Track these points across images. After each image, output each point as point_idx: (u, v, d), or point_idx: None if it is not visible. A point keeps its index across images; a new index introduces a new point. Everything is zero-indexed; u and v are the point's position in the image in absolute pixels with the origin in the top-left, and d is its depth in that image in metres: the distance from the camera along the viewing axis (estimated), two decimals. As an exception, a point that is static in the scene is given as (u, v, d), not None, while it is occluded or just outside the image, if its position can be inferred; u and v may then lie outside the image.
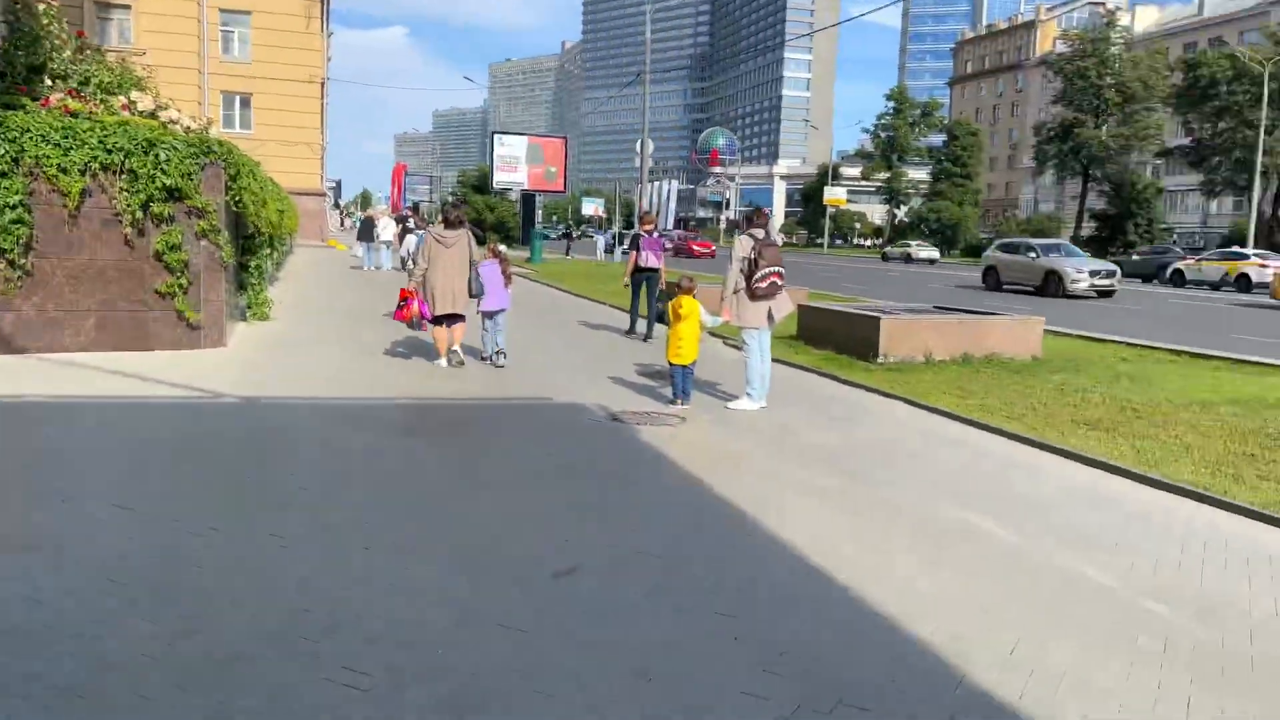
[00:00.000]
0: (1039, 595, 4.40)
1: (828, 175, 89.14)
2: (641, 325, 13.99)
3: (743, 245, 8.53)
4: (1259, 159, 43.58)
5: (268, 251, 14.88)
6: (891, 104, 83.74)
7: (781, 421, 8.20)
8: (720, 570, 4.51)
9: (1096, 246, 64.98)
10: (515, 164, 39.13)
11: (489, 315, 10.70)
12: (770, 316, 8.69)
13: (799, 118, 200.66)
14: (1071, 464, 7.04)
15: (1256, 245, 45.86)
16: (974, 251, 72.48)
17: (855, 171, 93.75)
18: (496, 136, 41.18)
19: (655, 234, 14.23)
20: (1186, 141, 58.89)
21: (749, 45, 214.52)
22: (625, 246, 42.09)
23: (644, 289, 13.81)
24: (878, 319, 11.69)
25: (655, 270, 13.71)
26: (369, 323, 14.51)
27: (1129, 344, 14.38)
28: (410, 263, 13.08)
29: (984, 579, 4.58)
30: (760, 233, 8.62)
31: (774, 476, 6.37)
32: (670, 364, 8.61)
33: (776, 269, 8.52)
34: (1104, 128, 60.56)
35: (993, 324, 12.21)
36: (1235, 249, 38.64)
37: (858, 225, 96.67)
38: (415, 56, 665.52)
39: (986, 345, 12.09)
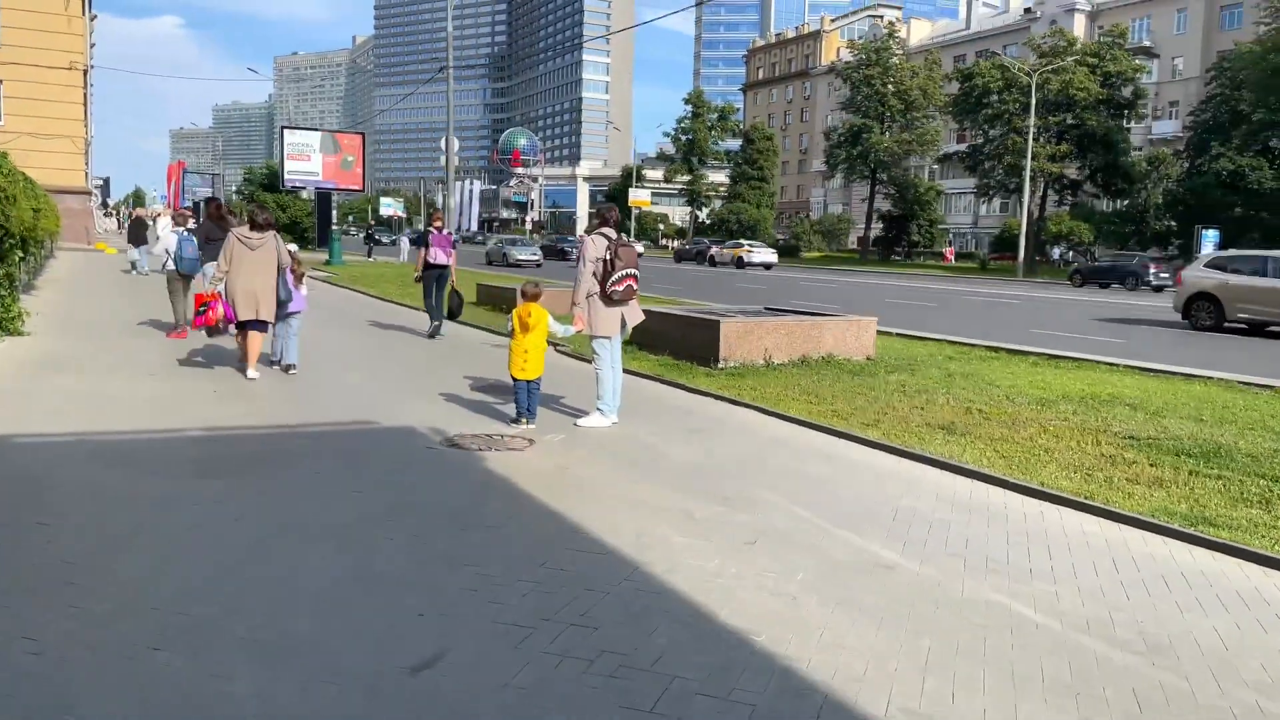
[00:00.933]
0: (975, 639, 3.88)
1: (632, 177, 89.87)
2: (444, 325, 14.34)
3: (595, 245, 7.77)
4: (1028, 163, 47.05)
5: (19, 256, 12.80)
6: (690, 108, 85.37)
7: (637, 437, 7.50)
8: (617, 644, 3.71)
9: (884, 246, 68.95)
10: (308, 152, 36.59)
11: (283, 317, 10.18)
12: (623, 324, 7.98)
13: (599, 119, 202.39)
14: (946, 474, 6.71)
15: (1027, 243, 49.64)
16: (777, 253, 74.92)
17: (658, 174, 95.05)
18: (286, 130, 38.44)
19: (444, 231, 14.46)
20: (963, 147, 63.17)
21: (548, 45, 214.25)
22: (404, 238, 42.17)
23: (436, 285, 14.15)
24: (717, 322, 11.23)
25: (445, 267, 14.06)
26: (146, 336, 12.74)
27: (949, 341, 14.64)
28: (173, 263, 13.05)
29: (908, 623, 4.03)
30: (612, 232, 7.90)
31: (645, 505, 5.64)
32: (514, 379, 7.74)
33: (632, 271, 7.81)
34: (888, 133, 63.92)
35: (828, 325, 12.02)
36: (740, 240, 57.17)
37: (660, 227, 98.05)
38: (191, 48, 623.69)
39: (823, 346, 11.89)
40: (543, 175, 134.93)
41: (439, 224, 14.59)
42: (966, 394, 9.85)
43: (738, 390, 9.73)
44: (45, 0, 35.38)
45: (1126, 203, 58.57)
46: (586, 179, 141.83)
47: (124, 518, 5.06)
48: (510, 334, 7.85)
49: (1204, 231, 41.23)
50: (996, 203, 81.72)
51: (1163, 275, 36.06)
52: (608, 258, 7.71)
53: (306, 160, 36.48)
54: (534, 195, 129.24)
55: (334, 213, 39.36)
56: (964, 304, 27.02)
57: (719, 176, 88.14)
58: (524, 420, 7.70)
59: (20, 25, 35.03)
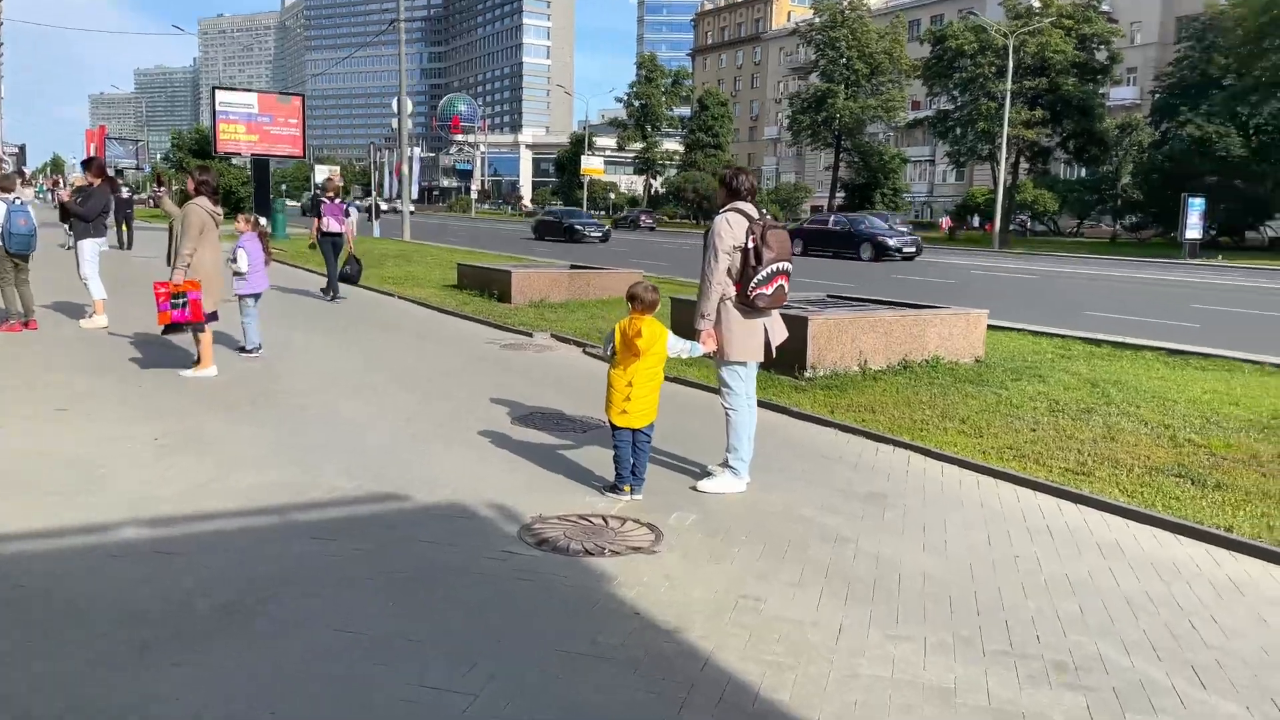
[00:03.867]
0: None
1: (583, 144, 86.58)
2: (345, 290, 14.83)
3: (732, 228, 5.26)
4: (1005, 129, 45.24)
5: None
6: (643, 72, 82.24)
7: (801, 514, 5.06)
8: None
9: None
10: (243, 115, 33.08)
11: (253, 297, 9.39)
12: (767, 343, 5.50)
13: (540, 85, 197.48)
14: (1314, 581, 4.38)
15: (1003, 212, 48.00)
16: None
17: (610, 142, 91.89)
18: (219, 91, 34.81)
19: (337, 200, 14.75)
20: (921, 114, 61.33)
21: (486, 8, 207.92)
22: (353, 207, 39.61)
23: (331, 252, 14.49)
24: (805, 320, 8.78)
25: (339, 234, 14.47)
26: (62, 338, 9.90)
27: (1032, 332, 12.39)
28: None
29: None
30: (751, 209, 5.39)
31: (941, 695, 3.21)
32: (613, 426, 5.22)
33: (786, 267, 5.33)
34: (853, 99, 61.74)
35: (933, 321, 9.65)
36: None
37: (611, 196, 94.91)
38: (112, 14, 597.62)
39: (927, 347, 9.54)
40: (485, 142, 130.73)
41: (331, 194, 14.91)
42: (1145, 413, 7.58)
43: (857, 414, 7.36)
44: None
45: (1092, 171, 57.34)
46: (530, 146, 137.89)
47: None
48: (610, 358, 5.31)
49: (1190, 200, 39.77)
50: (953, 171, 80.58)
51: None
52: (750, 246, 5.21)
53: (241, 124, 32.99)
54: (476, 163, 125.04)
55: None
56: (982, 280, 24.92)
57: (673, 145, 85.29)
58: (628, 489, 5.19)
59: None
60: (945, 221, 61.83)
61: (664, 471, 5.71)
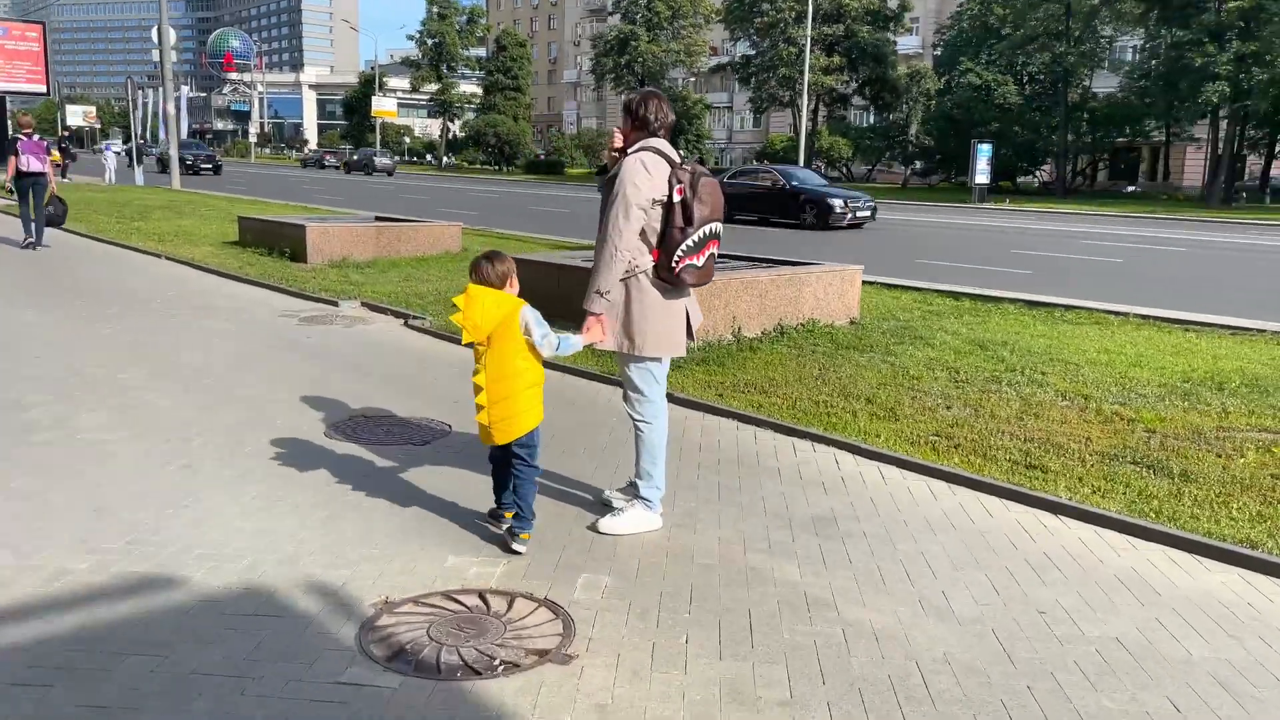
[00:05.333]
0: None
1: (373, 85, 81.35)
2: (38, 234, 13.65)
3: (650, 175, 3.82)
4: (805, 75, 45.47)
5: None
6: (435, 9, 77.82)
7: (742, 560, 3.76)
8: None
9: (651, 161, 66.28)
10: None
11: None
12: (689, 328, 4.12)
13: (321, 21, 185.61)
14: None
15: (806, 159, 48.56)
16: (535, 168, 70.56)
17: (403, 83, 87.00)
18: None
19: (35, 137, 13.68)
20: (728, 59, 61.21)
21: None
22: (109, 150, 35.43)
23: (31, 194, 13.48)
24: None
25: (40, 174, 13.47)
26: None
27: (890, 285, 11.65)
28: None
29: None
30: (671, 149, 3.96)
31: None
32: (485, 443, 3.74)
33: (717, 229, 3.95)
34: (656, 42, 60.66)
35: (808, 279, 8.57)
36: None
37: (406, 140, 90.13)
38: None
39: (802, 309, 8.48)
40: (263, 82, 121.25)
41: (28, 130, 13.71)
42: (1054, 381, 6.83)
43: (749, 398, 6.22)
44: None
45: (883, 118, 59.08)
46: (314, 86, 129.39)
47: None
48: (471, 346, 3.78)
49: (979, 146, 41.34)
50: (750, 117, 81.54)
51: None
52: (677, 200, 3.80)
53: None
54: (253, 104, 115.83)
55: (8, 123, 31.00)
56: (797, 230, 24.48)
57: (471, 87, 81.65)
58: (511, 534, 3.72)
59: None
60: None
61: (551, 504, 4.25)
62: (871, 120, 61.41)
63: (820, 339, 8.12)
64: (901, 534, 4.11)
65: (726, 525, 4.13)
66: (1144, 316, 9.79)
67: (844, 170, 63.20)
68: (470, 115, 79.82)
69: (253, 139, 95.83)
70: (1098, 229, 26.43)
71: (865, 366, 7.21)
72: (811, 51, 47.46)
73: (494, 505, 3.87)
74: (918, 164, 57.47)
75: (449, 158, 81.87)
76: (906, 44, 68.29)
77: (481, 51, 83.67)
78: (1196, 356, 7.79)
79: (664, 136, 4.00)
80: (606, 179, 4.01)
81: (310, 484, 4.46)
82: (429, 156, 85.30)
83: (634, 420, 4.04)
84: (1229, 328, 9.28)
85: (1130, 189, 54.09)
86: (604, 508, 4.20)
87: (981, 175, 41.39)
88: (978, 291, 11.25)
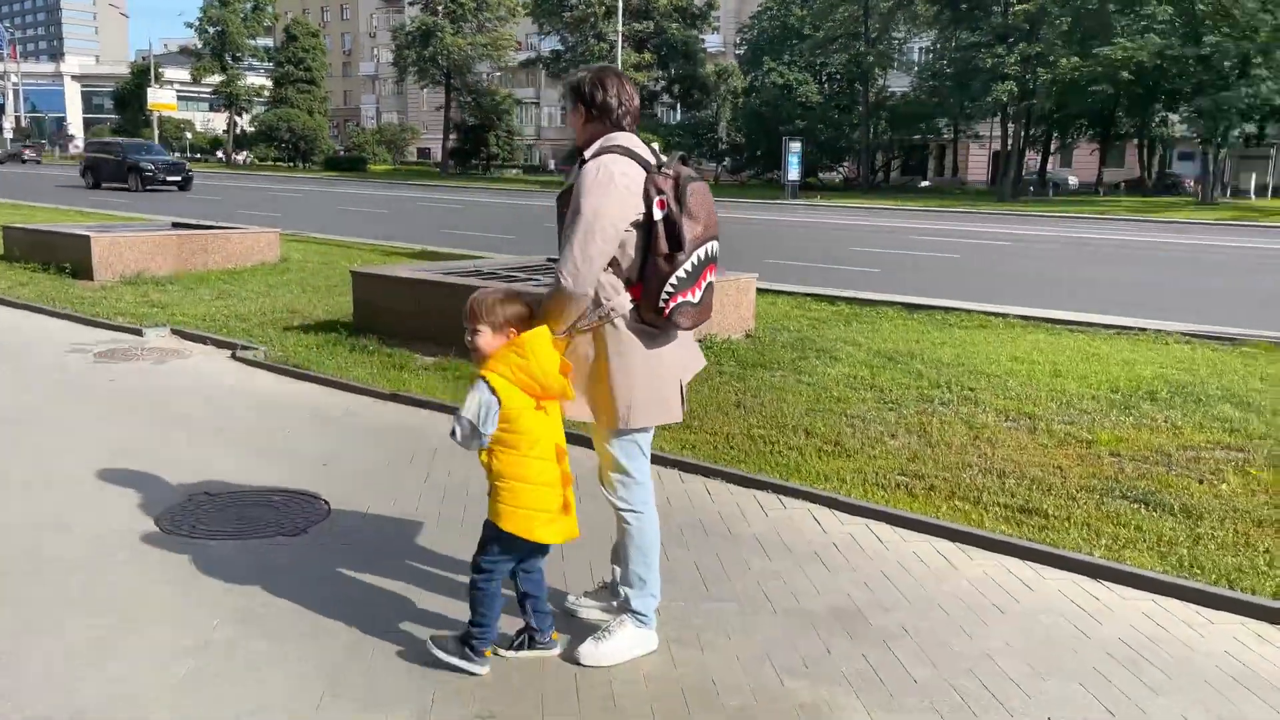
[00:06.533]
0: None
1: (148, 76, 74.71)
2: None
3: (619, 184, 2.79)
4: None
5: None
6: (218, -5, 72.24)
7: (776, 688, 2.84)
8: None
9: (461, 159, 64.36)
10: None
11: None
12: (682, 389, 3.12)
13: (84, 8, 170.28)
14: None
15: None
16: (335, 165, 66.93)
17: (183, 74, 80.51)
18: None
19: None
20: (534, 55, 60.00)
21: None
22: None
23: None
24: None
25: None
26: None
27: (774, 291, 11.04)
28: None
29: None
30: (647, 152, 2.97)
31: None
32: (531, 546, 2.83)
33: (715, 248, 2.97)
34: (460, 34, 58.63)
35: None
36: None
37: (188, 135, 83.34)
38: None
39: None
40: (17, 72, 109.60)
41: None
42: (990, 399, 6.33)
43: (675, 434, 5.29)
44: None
45: (690, 115, 59.64)
46: (77, 78, 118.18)
47: None
48: (482, 443, 2.72)
49: (790, 143, 42.16)
50: (560, 114, 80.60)
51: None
52: (661, 216, 2.82)
53: None
54: (6, 98, 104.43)
55: None
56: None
57: (259, 79, 76.53)
58: (491, 652, 2.69)
59: None
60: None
61: (514, 615, 3.17)
62: (678, 118, 61.89)
63: (723, 356, 7.33)
64: (946, 627, 3.30)
65: (737, 634, 3.19)
66: (1023, 317, 9.60)
67: (655, 167, 63.35)
68: (260, 109, 74.80)
69: (7, 134, 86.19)
70: (921, 224, 27.20)
71: (783, 389, 6.47)
72: (622, 48, 47.10)
73: (528, 630, 2.94)
74: (728, 161, 58.37)
75: (248, 155, 76.38)
76: (710, 43, 69.40)
77: (269, 41, 78.67)
78: (1108, 363, 7.50)
79: (630, 128, 3.01)
80: (562, 190, 2.99)
81: (152, 615, 3.19)
82: (219, 153, 79.39)
83: (617, 510, 3.03)
84: (1110, 326, 9.18)
85: (924, 184, 57.01)
86: (569, 619, 3.18)
87: (793, 172, 42.25)
88: (850, 295, 10.81)
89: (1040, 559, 3.85)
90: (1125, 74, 36.07)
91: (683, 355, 3.10)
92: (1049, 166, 51.72)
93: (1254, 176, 46.36)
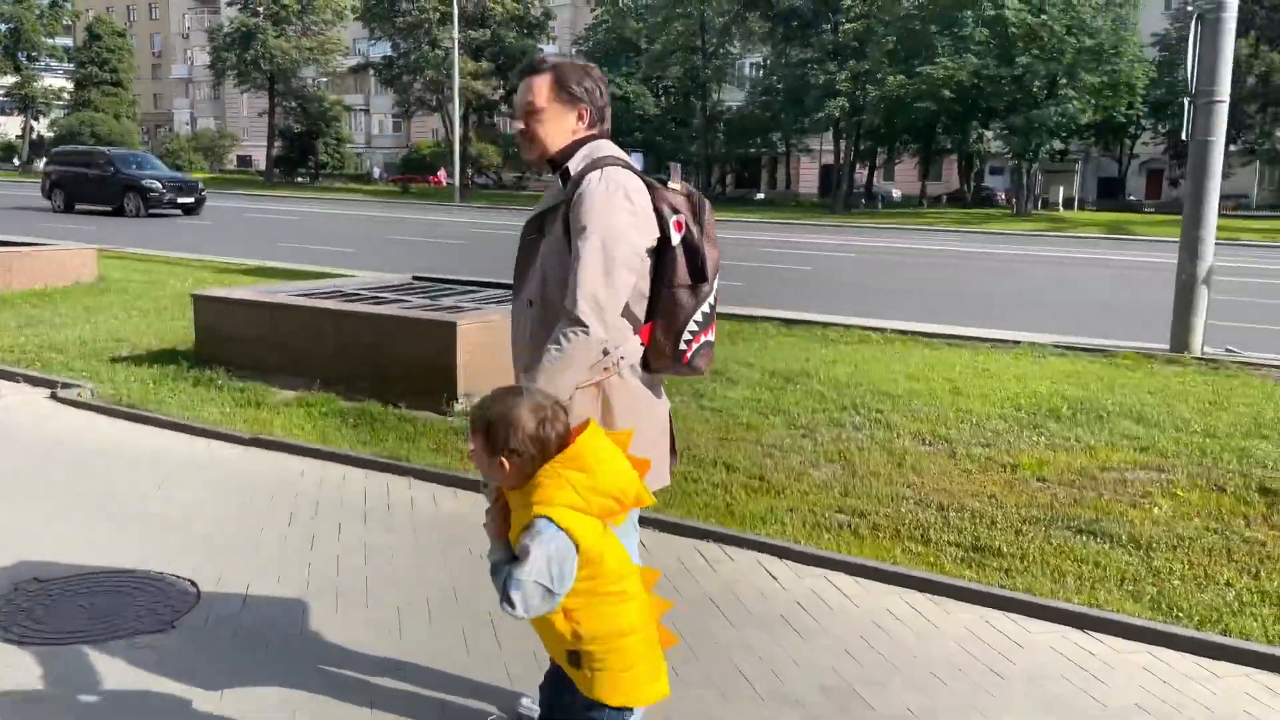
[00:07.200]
0: None
1: (-76, 73, 67.67)
2: None
3: (633, 203, 2.27)
4: (456, 79, 43.95)
5: None
6: (8, -11, 66.29)
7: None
8: None
9: (287, 167, 61.31)
10: None
11: None
12: (673, 447, 2.62)
13: None
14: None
15: (462, 165, 47.04)
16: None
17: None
18: None
19: None
20: (363, 59, 57.90)
21: None
22: None
23: None
24: (453, 326, 5.85)
25: None
26: None
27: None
28: None
29: None
30: (625, 156, 2.44)
31: None
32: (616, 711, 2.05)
33: (714, 289, 2.46)
34: (284, 37, 55.84)
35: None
36: None
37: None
38: None
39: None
40: None
41: None
42: (903, 422, 6.14)
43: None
44: None
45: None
46: None
47: None
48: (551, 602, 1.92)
49: (633, 154, 42.23)
50: (390, 122, 78.31)
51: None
52: (680, 240, 2.32)
53: None
54: None
55: None
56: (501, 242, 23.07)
57: (58, 80, 70.69)
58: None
59: None
60: (441, 175, 57.45)
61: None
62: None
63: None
64: (953, 704, 2.93)
65: (730, 736, 2.71)
66: (900, 331, 9.57)
67: (495, 177, 62.45)
68: (60, 113, 69.08)
69: None
70: (766, 236, 27.63)
71: (688, 416, 6.06)
72: (459, 55, 46.02)
73: None
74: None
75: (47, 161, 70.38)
76: (548, 53, 68.80)
77: (69, 41, 72.88)
78: (1002, 379, 7.46)
79: (608, 136, 2.51)
80: (535, 214, 2.45)
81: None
82: (14, 160, 72.87)
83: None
84: (985, 340, 9.25)
85: (759, 196, 58.40)
86: (525, 727, 2.63)
87: (635, 182, 42.31)
88: (724, 310, 10.54)
89: (1019, 609, 3.56)
90: (947, 92, 37.96)
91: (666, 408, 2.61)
92: (874, 180, 53.94)
93: (1061, 190, 49.82)
